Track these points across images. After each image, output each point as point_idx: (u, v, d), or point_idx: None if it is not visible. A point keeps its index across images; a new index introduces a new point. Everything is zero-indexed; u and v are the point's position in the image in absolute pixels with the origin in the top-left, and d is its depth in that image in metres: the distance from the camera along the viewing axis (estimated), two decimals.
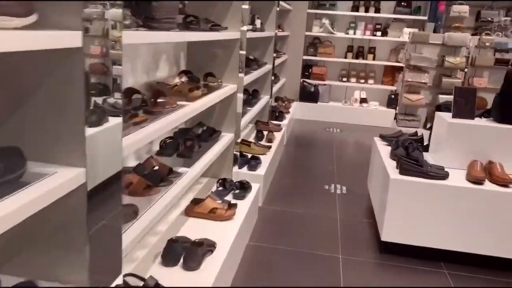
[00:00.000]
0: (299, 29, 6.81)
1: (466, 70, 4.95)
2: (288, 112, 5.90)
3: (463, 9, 6.19)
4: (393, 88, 6.84)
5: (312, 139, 5.87)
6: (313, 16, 6.97)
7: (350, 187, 4.01)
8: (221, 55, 3.00)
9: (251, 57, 4.64)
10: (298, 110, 6.84)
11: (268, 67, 4.94)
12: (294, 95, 7.01)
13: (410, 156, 2.94)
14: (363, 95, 6.90)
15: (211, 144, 2.79)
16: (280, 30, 6.11)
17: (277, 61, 5.78)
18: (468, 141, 2.88)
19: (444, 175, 2.69)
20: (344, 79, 7.00)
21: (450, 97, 4.89)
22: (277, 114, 5.44)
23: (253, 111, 4.18)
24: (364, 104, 6.83)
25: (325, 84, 6.96)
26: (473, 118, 2.96)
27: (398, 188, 2.69)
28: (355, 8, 6.78)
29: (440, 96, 4.98)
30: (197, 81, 2.81)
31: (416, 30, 6.50)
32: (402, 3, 6.62)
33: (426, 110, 5.17)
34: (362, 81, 6.94)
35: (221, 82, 2.87)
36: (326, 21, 6.74)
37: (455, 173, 2.76)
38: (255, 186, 3.10)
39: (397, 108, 5.36)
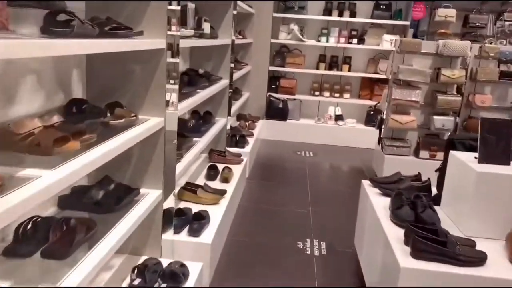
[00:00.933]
0: (264, 36, 5.87)
1: (464, 85, 4.10)
2: (252, 135, 4.92)
3: (449, 13, 5.41)
4: (372, 103, 5.98)
5: (281, 169, 4.90)
6: (279, 21, 6.05)
7: (332, 243, 3.04)
8: (138, 74, 1.98)
9: (200, 71, 3.65)
10: (264, 130, 5.88)
11: (223, 83, 3.95)
12: (259, 111, 6.05)
13: (421, 220, 2.00)
14: (338, 112, 6.00)
15: (120, 214, 1.77)
16: (240, 37, 5.14)
17: (239, 74, 4.81)
18: (508, 199, 1.97)
19: (480, 259, 1.75)
20: (317, 93, 6.09)
21: (446, 119, 4.09)
22: (237, 139, 4.45)
23: (203, 140, 3.19)
24: (340, 122, 5.93)
25: (295, 99, 6.03)
26: (509, 163, 2.06)
27: (412, 281, 1.73)
28: (328, 12, 5.90)
29: (435, 117, 4.12)
30: (99, 115, 1.78)
31: (397, 36, 5.67)
32: (381, 6, 5.78)
33: (417, 134, 4.30)
34: (337, 95, 6.05)
35: (134, 116, 1.85)
36: (294, 27, 5.82)
37: (489, 248, 1.83)
38: (195, 268, 2.09)
39: (382, 131, 4.46)
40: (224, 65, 4.20)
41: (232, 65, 4.27)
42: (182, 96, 2.58)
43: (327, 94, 6.06)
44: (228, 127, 4.29)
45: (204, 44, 3.44)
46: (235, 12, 4.10)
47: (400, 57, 4.21)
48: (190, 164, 2.73)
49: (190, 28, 2.92)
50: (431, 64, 4.19)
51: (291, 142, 5.84)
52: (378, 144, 4.48)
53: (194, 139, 3.06)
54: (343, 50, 6.17)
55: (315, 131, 5.90)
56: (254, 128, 5.25)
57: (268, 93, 6.03)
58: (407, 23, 5.70)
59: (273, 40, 5.92)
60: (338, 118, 5.95)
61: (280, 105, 5.92)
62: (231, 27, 4.05)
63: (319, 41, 5.93)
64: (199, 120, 3.65)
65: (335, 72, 5.94)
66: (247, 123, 5.32)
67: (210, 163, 3.64)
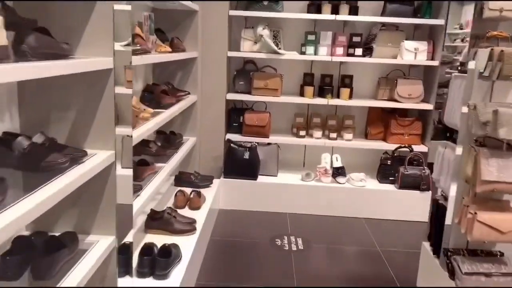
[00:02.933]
0: (217, 47, 3.70)
1: None
2: (198, 208, 2.73)
3: (507, 5, 3.40)
4: (387, 146, 3.87)
5: None
6: (241, 22, 3.91)
7: None
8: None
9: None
10: (222, 194, 3.69)
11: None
12: (213, 166, 3.85)
13: None
14: (338, 162, 3.85)
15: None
16: (169, 49, 2.97)
17: (174, 110, 2.69)
18: None
19: None
20: (302, 132, 3.94)
21: None
22: (173, 223, 2.25)
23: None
24: (341, 179, 3.78)
25: (269, 144, 3.86)
26: None
27: None
28: (315, 8, 3.79)
29: None
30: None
31: (424, 44, 3.63)
32: None
33: None
34: (334, 135, 3.91)
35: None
36: (264, 31, 3.68)
37: None
38: None
39: (443, 231, 2.30)
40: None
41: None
42: None
43: (318, 133, 3.92)
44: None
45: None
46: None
47: (486, 87, 2.10)
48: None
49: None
50: None
51: (265, 215, 3.66)
52: (434, 253, 2.34)
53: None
54: (340, 65, 4.06)
55: (302, 195, 3.73)
56: (199, 205, 3.06)
57: (227, 137, 3.85)
58: (441, 22, 3.63)
59: (232, 53, 3.77)
60: (338, 172, 3.80)
61: (246, 155, 3.73)
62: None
63: (303, 52, 3.81)
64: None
65: (329, 101, 3.81)
66: (189, 196, 3.12)
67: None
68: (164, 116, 2.63)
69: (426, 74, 3.96)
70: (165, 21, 3.33)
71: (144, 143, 2.92)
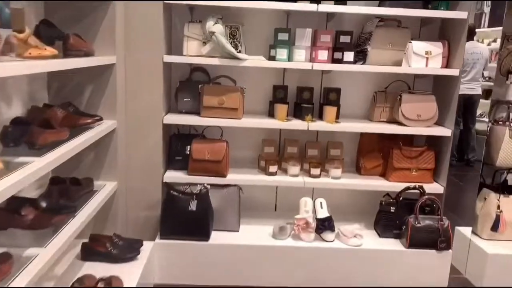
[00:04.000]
0: (148, 48, 2.53)
1: None
2: None
3: None
4: (388, 185, 2.82)
5: None
6: (184, 14, 2.78)
7: None
8: None
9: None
10: (158, 264, 2.53)
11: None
12: (145, 221, 2.68)
13: None
14: (323, 210, 2.75)
15: None
16: (72, 50, 1.80)
17: (82, 139, 1.52)
18: None
19: None
20: (273, 168, 2.82)
21: None
22: None
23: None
24: (328, 235, 2.67)
25: (226, 186, 2.73)
26: None
27: None
28: None
29: None
30: None
31: (439, 46, 2.62)
32: None
33: None
34: (316, 171, 2.82)
35: None
36: (216, 27, 2.55)
37: None
38: None
39: None
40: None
41: None
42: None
43: (294, 169, 2.82)
44: None
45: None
46: None
47: None
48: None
49: None
50: None
51: None
52: None
53: None
54: (322, 75, 2.99)
55: (274, 260, 2.61)
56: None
57: (166, 177, 2.69)
58: (464, 15, 2.61)
59: (172, 58, 2.62)
60: (324, 225, 2.69)
61: (193, 205, 2.57)
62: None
63: (272, 57, 2.71)
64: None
65: (309, 124, 2.72)
66: (97, 285, 1.95)
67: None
68: (42, 163, 1.48)
69: (437, 86, 2.94)
70: (63, 10, 2.18)
71: (15, 208, 1.74)
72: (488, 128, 2.86)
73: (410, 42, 2.68)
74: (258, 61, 2.65)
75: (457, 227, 2.95)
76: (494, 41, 4.93)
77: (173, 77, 2.87)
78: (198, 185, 2.63)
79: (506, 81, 2.74)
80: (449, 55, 2.76)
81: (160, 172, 2.67)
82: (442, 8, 2.67)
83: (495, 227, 2.79)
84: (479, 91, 4.84)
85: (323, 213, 2.71)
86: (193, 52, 2.64)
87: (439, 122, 2.82)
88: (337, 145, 2.98)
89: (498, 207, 2.79)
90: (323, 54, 2.71)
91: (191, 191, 2.60)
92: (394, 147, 2.85)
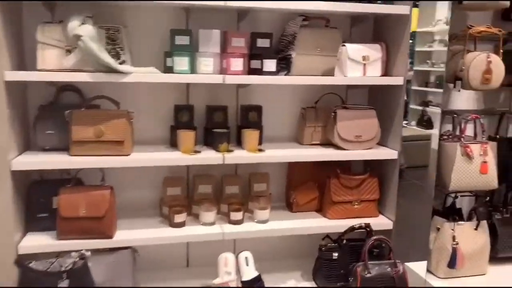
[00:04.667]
0: None
1: None
2: None
3: None
4: (327, 224, 2.24)
5: None
6: (39, 12, 1.97)
7: None
8: None
9: None
10: None
11: None
12: None
13: None
14: (249, 268, 2.09)
15: None
16: None
17: None
18: None
19: None
20: (179, 217, 2.09)
21: None
22: None
23: None
24: None
25: (114, 250, 1.96)
26: None
27: None
28: None
29: None
30: None
31: (376, 48, 2.10)
32: None
33: None
34: (237, 215, 2.15)
35: None
36: (82, 27, 1.79)
37: None
38: None
39: None
40: None
41: None
42: None
43: (208, 215, 2.12)
44: None
45: None
46: None
47: None
48: None
49: None
50: None
51: None
52: None
53: None
54: (237, 90, 2.34)
55: None
56: None
57: (23, 246, 1.86)
58: (406, 10, 2.11)
59: (16, 75, 1.79)
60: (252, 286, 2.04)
61: (64, 285, 1.78)
62: None
63: (169, 68, 2.01)
64: None
65: (225, 156, 2.05)
66: None
67: None
68: None
69: (375, 98, 2.44)
70: None
71: None
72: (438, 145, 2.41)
73: (344, 45, 2.14)
74: (147, 74, 1.92)
75: (408, 264, 2.45)
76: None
77: (31, 101, 2.04)
78: (72, 254, 1.84)
79: (453, 87, 2.31)
80: (387, 60, 2.27)
81: (12, 240, 1.83)
82: (379, 1, 2.16)
83: (452, 263, 2.33)
84: None
85: (249, 273, 2.06)
86: (52, 64, 1.84)
87: (382, 142, 2.31)
88: (262, 178, 2.35)
89: (454, 238, 2.34)
90: (237, 63, 2.07)
91: (60, 266, 1.80)
92: (331, 176, 2.28)
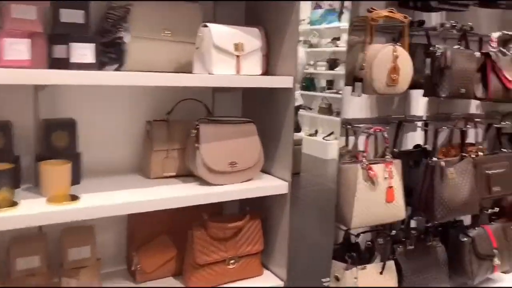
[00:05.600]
0: None
1: None
2: None
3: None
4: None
5: None
6: None
7: None
8: None
9: None
10: None
11: None
12: None
13: None
14: None
15: None
16: None
17: None
18: None
19: None
20: None
21: None
22: None
23: None
24: None
25: None
26: None
27: None
28: None
29: None
30: None
31: (253, 32, 1.35)
32: None
33: None
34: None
35: None
36: None
37: None
38: None
39: None
40: None
41: None
42: None
43: None
44: None
45: None
46: None
47: None
48: None
49: None
50: None
51: None
52: None
53: None
54: (35, 93, 1.41)
55: None
56: None
57: None
58: None
59: None
60: None
61: None
62: None
63: None
64: None
65: (1, 212, 1.13)
66: None
67: None
68: None
69: (251, 106, 1.74)
70: None
71: None
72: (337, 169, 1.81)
73: (206, 25, 1.38)
74: None
75: None
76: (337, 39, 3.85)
77: None
78: None
79: (352, 92, 1.73)
80: (268, 52, 1.58)
81: None
82: None
83: None
84: None
85: None
86: None
87: (266, 168, 1.62)
88: (83, 237, 1.45)
89: None
90: (20, 48, 1.16)
91: None
92: (194, 226, 1.50)
